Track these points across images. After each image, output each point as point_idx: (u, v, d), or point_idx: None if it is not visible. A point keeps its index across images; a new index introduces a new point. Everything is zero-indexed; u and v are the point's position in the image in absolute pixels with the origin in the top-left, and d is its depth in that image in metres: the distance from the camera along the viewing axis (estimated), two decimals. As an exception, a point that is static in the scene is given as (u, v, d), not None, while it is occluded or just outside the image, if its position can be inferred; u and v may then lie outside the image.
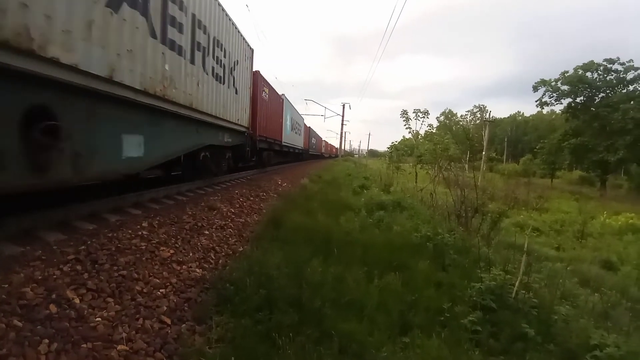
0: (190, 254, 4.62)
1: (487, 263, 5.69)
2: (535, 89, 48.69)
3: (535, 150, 55.52)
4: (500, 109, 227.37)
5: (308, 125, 36.68)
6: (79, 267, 3.27)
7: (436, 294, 4.91)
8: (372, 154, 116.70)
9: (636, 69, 41.67)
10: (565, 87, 45.66)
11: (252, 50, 11.78)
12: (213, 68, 8.06)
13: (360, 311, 4.05)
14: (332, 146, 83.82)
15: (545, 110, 60.92)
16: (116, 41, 4.42)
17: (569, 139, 45.24)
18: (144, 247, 4.18)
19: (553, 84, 46.84)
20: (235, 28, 9.72)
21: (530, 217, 18.53)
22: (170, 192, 7.19)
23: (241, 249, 5.62)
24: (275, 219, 7.26)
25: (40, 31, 3.25)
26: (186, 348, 2.88)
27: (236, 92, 10.05)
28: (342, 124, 58.06)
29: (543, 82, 47.67)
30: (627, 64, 42.43)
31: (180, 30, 6.26)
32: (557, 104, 48.41)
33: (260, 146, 14.24)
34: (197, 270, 4.30)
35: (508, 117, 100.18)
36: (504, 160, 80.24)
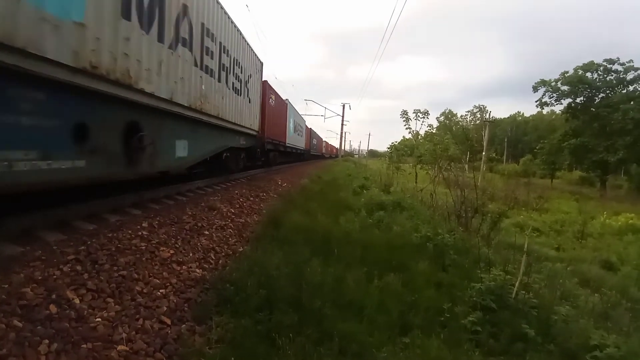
0: (190, 254, 4.62)
1: (487, 263, 5.70)
2: (535, 89, 48.79)
3: (535, 150, 55.58)
4: (500, 109, 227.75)
5: (309, 127, 37.72)
6: (79, 268, 3.27)
7: (436, 294, 4.92)
8: (372, 154, 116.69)
9: (636, 69, 41.77)
10: (565, 88, 45.74)
11: (262, 64, 13.32)
12: (233, 83, 9.53)
13: (360, 311, 4.05)
14: (332, 146, 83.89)
15: (545, 110, 61.03)
16: (174, 72, 5.94)
17: (569, 140, 45.28)
18: (144, 248, 4.18)
19: (553, 84, 46.91)
20: (249, 47, 11.26)
21: (530, 217, 18.54)
22: (170, 192, 7.18)
23: (241, 249, 5.62)
24: (275, 219, 7.26)
25: (134, 71, 4.70)
26: (186, 348, 2.88)
27: (249, 101, 11.53)
28: (342, 124, 58.10)
29: (543, 83, 47.72)
30: (627, 64, 42.53)
31: (212, 57, 7.72)
32: (557, 104, 48.61)
33: (267, 147, 15.69)
34: (197, 270, 4.30)
35: (508, 117, 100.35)
36: (504, 160, 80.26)
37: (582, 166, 49.48)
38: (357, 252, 6.01)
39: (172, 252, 4.40)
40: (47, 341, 2.37)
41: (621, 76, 43.12)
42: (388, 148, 25.23)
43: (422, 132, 24.39)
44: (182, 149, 6.68)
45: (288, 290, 3.96)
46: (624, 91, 42.42)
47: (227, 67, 8.84)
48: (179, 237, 4.93)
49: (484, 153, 35.83)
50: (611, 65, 43.59)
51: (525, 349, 3.87)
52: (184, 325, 3.20)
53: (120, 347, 2.62)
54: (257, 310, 3.54)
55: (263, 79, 14.04)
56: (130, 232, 4.44)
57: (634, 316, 5.94)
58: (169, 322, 3.15)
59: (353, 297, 4.30)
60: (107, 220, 4.75)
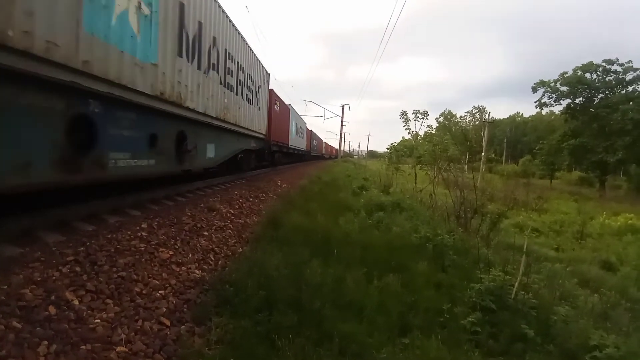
0: (190, 255, 4.62)
1: (487, 264, 5.70)
2: (534, 89, 48.81)
3: (535, 151, 55.63)
4: (499, 110, 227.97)
5: (310, 129, 38.94)
6: (78, 269, 3.27)
7: (436, 295, 4.92)
8: (372, 154, 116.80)
9: (635, 69, 41.82)
10: (564, 88, 45.76)
11: (269, 74, 15.15)
12: (246, 95, 11.19)
13: (359, 312, 4.04)
14: (332, 147, 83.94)
15: (545, 111, 61.17)
16: (207, 91, 7.59)
17: (568, 140, 45.29)
18: (143, 249, 4.18)
19: (552, 84, 46.94)
20: (259, 62, 12.99)
21: (530, 217, 18.53)
22: (170, 193, 7.18)
23: (240, 250, 5.62)
24: (275, 220, 7.26)
25: (183, 93, 6.33)
26: (185, 349, 2.87)
27: (259, 109, 13.24)
28: (342, 125, 58.10)
29: (542, 83, 47.76)
30: (626, 65, 42.56)
31: (232, 75, 9.44)
32: (556, 104, 48.56)
33: (273, 149, 17.50)
34: (197, 271, 4.30)
35: (507, 117, 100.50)
36: (503, 161, 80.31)
37: (581, 167, 49.52)
38: (357, 252, 6.01)
39: (171, 253, 4.40)
40: (46, 342, 2.36)
41: (620, 77, 43.17)
42: (387, 149, 25.23)
43: (421, 133, 24.41)
44: (211, 151, 8.41)
45: (288, 291, 3.95)
46: (623, 92, 42.46)
47: (242, 82, 10.55)
48: (178, 238, 4.93)
49: (483, 154, 35.86)
50: (610, 66, 43.66)
51: (524, 349, 3.87)
52: (183, 326, 3.20)
53: (119, 348, 2.62)
54: (256, 311, 3.54)
55: (269, 88, 15.84)
56: (129, 233, 4.44)
57: (634, 316, 5.95)
58: (168, 323, 3.14)
59: (353, 297, 4.30)
60: (106, 221, 4.74)
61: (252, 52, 11.65)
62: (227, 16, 8.64)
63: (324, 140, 69.20)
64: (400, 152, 23.45)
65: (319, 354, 3.09)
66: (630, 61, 42.42)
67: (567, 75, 45.65)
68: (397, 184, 19.22)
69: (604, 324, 5.16)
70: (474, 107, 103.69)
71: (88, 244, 3.79)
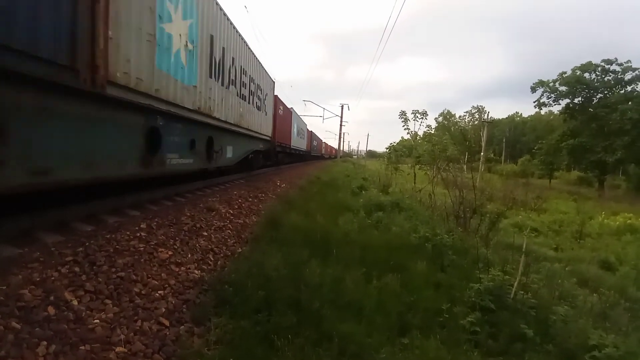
0: (189, 256, 4.62)
1: (486, 264, 5.70)
2: (533, 89, 48.89)
3: (534, 150, 55.68)
4: (498, 110, 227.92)
5: (310, 130, 39.99)
6: (77, 269, 3.26)
7: (435, 295, 4.92)
8: (371, 154, 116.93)
9: (634, 69, 41.91)
10: (563, 88, 45.85)
11: (274, 82, 16.43)
12: (256, 102, 12.62)
13: (359, 312, 4.04)
14: (331, 147, 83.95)
15: (544, 111, 61.21)
16: (228, 103, 9.01)
17: (567, 140, 45.36)
18: (142, 249, 4.17)
19: (551, 84, 47.02)
20: (266, 72, 14.44)
21: (529, 217, 18.55)
22: (169, 193, 7.18)
23: (240, 250, 5.62)
24: (274, 220, 7.26)
25: (212, 106, 7.76)
26: (185, 350, 2.87)
27: (265, 114, 14.56)
28: (341, 125, 58.11)
29: (541, 83, 47.83)
30: (625, 65, 42.63)
31: (245, 87, 10.84)
32: (555, 104, 48.63)
33: (277, 150, 19.17)
34: (196, 271, 4.29)
35: (506, 117, 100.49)
36: (502, 160, 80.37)
37: (580, 166, 49.63)
38: (356, 252, 6.01)
39: (170, 253, 4.39)
40: (45, 343, 2.36)
41: (619, 76, 43.25)
42: (386, 149, 25.26)
43: (420, 133, 24.43)
44: (230, 152, 9.98)
45: (287, 291, 3.95)
46: (622, 91, 42.54)
47: (253, 92, 11.95)
48: (177, 238, 4.93)
49: (482, 153, 35.90)
50: (609, 66, 43.73)
51: (524, 349, 3.88)
52: (182, 326, 3.20)
53: (118, 349, 2.62)
54: (255, 311, 3.54)
55: (274, 94, 17.30)
56: (128, 233, 4.44)
57: (633, 316, 5.96)
58: (167, 323, 3.14)
59: (352, 297, 4.30)
60: (105, 222, 4.74)
61: (261, 64, 13.23)
62: (240, 36, 9.95)
63: (323, 141, 69.27)
64: (400, 152, 23.49)
65: (318, 354, 3.09)
66: (629, 61, 42.58)
67: (566, 75, 45.73)
68: (396, 184, 19.23)
69: (603, 324, 5.17)
70: (473, 107, 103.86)
71: (87, 244, 3.79)
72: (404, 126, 23.92)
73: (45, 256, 3.33)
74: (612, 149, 40.21)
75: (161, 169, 5.90)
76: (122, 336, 2.75)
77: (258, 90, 12.74)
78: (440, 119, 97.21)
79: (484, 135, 36.33)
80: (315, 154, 49.27)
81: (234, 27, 9.19)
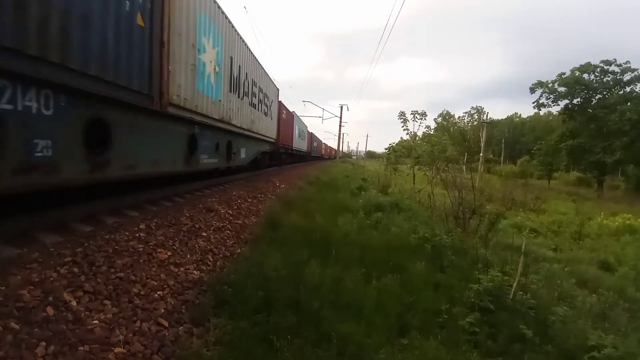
0: (188, 256, 4.61)
1: (485, 264, 5.71)
2: (532, 90, 48.91)
3: (533, 151, 55.73)
4: (497, 110, 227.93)
5: (310, 132, 41.19)
6: (76, 270, 3.26)
7: (434, 296, 4.92)
8: (370, 155, 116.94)
9: (633, 70, 41.92)
10: (562, 89, 45.91)
11: (278, 90, 18.07)
12: (264, 109, 14.25)
13: (358, 313, 4.04)
14: (331, 148, 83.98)
15: (543, 111, 61.29)
16: (242, 111, 10.59)
17: (566, 140, 45.40)
18: (141, 249, 4.17)
19: (550, 85, 47.07)
20: (273, 82, 16.20)
21: (528, 218, 18.57)
22: (168, 194, 7.17)
23: (239, 250, 5.61)
24: (273, 220, 7.25)
25: (231, 115, 9.47)
26: (184, 350, 2.87)
27: (271, 119, 16.16)
28: (340, 126, 58.09)
29: (540, 84, 47.88)
30: (624, 66, 42.69)
31: (255, 96, 12.45)
32: (554, 105, 48.67)
33: (281, 151, 20.79)
34: (195, 272, 4.29)
35: (505, 118, 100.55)
36: (502, 161, 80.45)
37: (579, 167, 49.67)
38: (355, 253, 6.01)
39: (169, 253, 4.39)
40: (44, 343, 2.36)
41: (618, 77, 43.31)
42: (386, 149, 25.30)
43: (419, 134, 24.46)
44: (243, 153, 11.54)
45: (286, 292, 3.95)
46: (621, 92, 42.58)
47: (261, 100, 13.62)
48: (176, 238, 4.93)
49: (481, 154, 35.94)
50: (608, 67, 43.81)
51: (523, 349, 3.88)
52: (181, 327, 3.19)
53: (117, 350, 2.61)
54: (255, 312, 3.53)
55: (279, 100, 19.19)
56: (127, 233, 4.43)
57: (632, 316, 5.96)
58: (166, 324, 3.14)
59: (351, 298, 4.30)
60: (104, 222, 4.74)
61: (268, 75, 14.88)
62: (251, 52, 11.50)
63: (323, 142, 69.39)
64: (399, 153, 23.52)
65: (318, 354, 3.09)
66: (628, 62, 42.65)
67: (564, 76, 45.79)
68: (395, 184, 19.23)
69: (602, 324, 5.17)
70: (472, 107, 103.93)
71: (86, 244, 3.79)
72: (403, 127, 24.02)
73: (44, 257, 3.32)
74: (611, 150, 40.26)
75: (197, 167, 7.55)
76: (121, 337, 2.74)
77: (265, 98, 14.52)
78: (440, 119, 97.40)
79: (483, 135, 36.35)
80: (316, 154, 49.88)
81: (246, 46, 10.81)
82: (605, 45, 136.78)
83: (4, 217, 3.74)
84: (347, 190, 15.99)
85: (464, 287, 5.13)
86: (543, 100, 48.37)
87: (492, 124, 56.12)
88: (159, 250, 4.35)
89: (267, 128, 14.99)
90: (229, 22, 8.81)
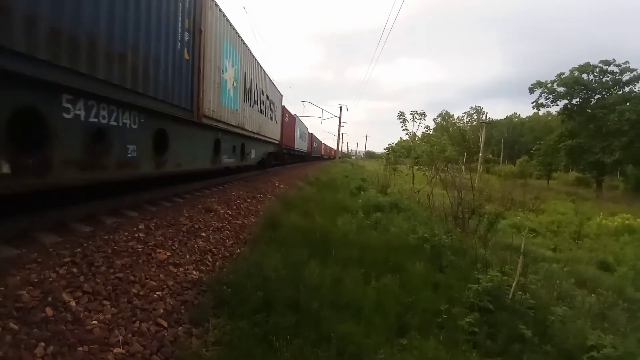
0: (187, 256, 4.61)
1: (484, 264, 5.71)
2: (531, 90, 48.95)
3: (532, 151, 55.79)
4: (496, 111, 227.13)
5: (310, 132, 42.16)
6: (75, 270, 3.26)
7: (433, 296, 4.92)
8: (369, 155, 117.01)
9: (632, 70, 41.97)
10: (561, 89, 45.94)
11: (282, 95, 19.49)
12: (270, 114, 15.66)
13: (357, 313, 4.05)
14: (330, 148, 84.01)
15: (542, 111, 61.37)
16: (253, 117, 11.99)
17: (565, 141, 45.44)
18: (140, 250, 4.17)
19: (549, 85, 47.11)
20: (277, 89, 17.63)
21: (527, 218, 18.56)
22: (167, 194, 7.17)
23: (238, 250, 5.61)
24: (273, 220, 7.25)
25: (245, 122, 11.02)
26: (183, 351, 2.87)
27: (276, 122, 17.57)
28: (340, 126, 58.08)
29: (539, 84, 47.92)
30: (623, 66, 42.73)
31: (263, 104, 13.89)
32: (553, 105, 48.71)
33: (284, 151, 22.54)
34: (194, 272, 4.29)
35: (504, 118, 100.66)
36: (501, 161, 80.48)
37: (578, 167, 49.65)
38: (355, 253, 6.01)
39: (168, 254, 4.39)
40: (43, 344, 2.36)
41: (617, 77, 43.35)
42: (385, 149, 25.32)
43: (419, 134, 24.48)
44: (253, 154, 13.09)
45: (286, 292, 3.95)
46: (620, 92, 42.62)
47: (268, 106, 15.04)
48: (175, 239, 4.92)
49: (480, 154, 35.96)
50: (607, 67, 43.83)
51: (522, 349, 3.88)
52: (180, 327, 3.20)
53: (116, 350, 2.61)
54: (254, 312, 3.53)
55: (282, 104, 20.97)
56: (126, 234, 4.43)
57: (631, 316, 5.96)
58: (165, 324, 3.14)
59: (350, 298, 4.30)
60: (103, 222, 4.73)
61: (273, 83, 16.46)
62: (260, 65, 12.98)
63: (322, 142, 69.50)
64: (398, 153, 23.53)
65: (317, 354, 3.09)
66: (627, 62, 42.68)
67: (564, 76, 45.84)
68: (394, 184, 19.24)
69: (601, 324, 5.17)
70: (472, 107, 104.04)
71: (85, 245, 3.78)
72: (402, 127, 24.07)
73: (43, 257, 3.32)
74: (610, 150, 40.30)
75: (219, 165, 9.17)
76: (120, 337, 2.74)
77: (271, 104, 16.07)
78: (439, 119, 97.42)
79: (482, 136, 36.39)
80: (315, 154, 50.34)
81: (256, 60, 12.27)
82: (605, 46, 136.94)
83: (4, 217, 3.74)
84: (347, 190, 15.99)
85: (463, 287, 5.13)
86: (542, 100, 48.47)
87: (492, 124, 56.19)
88: (158, 250, 4.35)
89: (272, 131, 16.45)
90: (243, 42, 10.39)
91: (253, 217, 7.80)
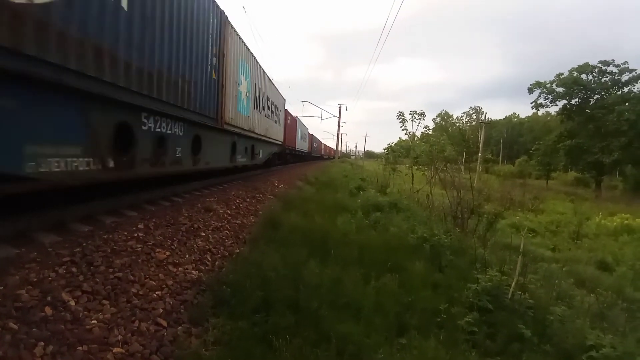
0: (187, 256, 4.61)
1: (483, 264, 5.72)
2: (530, 90, 49.00)
3: (531, 151, 55.82)
4: (495, 111, 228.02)
5: (310, 133, 43.35)
6: (74, 269, 3.26)
7: (433, 295, 4.93)
8: (369, 155, 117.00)
9: (631, 70, 42.03)
10: (560, 89, 45.98)
11: (285, 100, 20.70)
12: (275, 118, 16.98)
13: (357, 313, 4.05)
14: (330, 148, 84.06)
15: (541, 112, 61.43)
16: (261, 121, 13.34)
17: (564, 141, 45.48)
18: (139, 249, 4.16)
19: (548, 85, 47.14)
20: (281, 94, 19.10)
21: (526, 218, 18.59)
22: (166, 194, 7.16)
23: (238, 250, 5.61)
24: (272, 220, 7.26)
25: (254, 126, 12.29)
26: (182, 350, 2.87)
27: (279, 125, 18.91)
28: (339, 126, 58.14)
29: (538, 84, 47.96)
30: (621, 66, 42.77)
31: (269, 109, 15.19)
32: (552, 105, 48.75)
33: (286, 152, 23.96)
34: (194, 272, 4.29)
35: (504, 118, 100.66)
36: (500, 161, 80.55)
37: (577, 167, 49.67)
38: (354, 253, 6.01)
39: (168, 253, 4.38)
40: (42, 343, 2.36)
41: (616, 78, 43.39)
42: (384, 149, 25.33)
43: (418, 134, 24.48)
44: (261, 154, 14.57)
45: (285, 292, 3.95)
46: (619, 92, 42.67)
47: (273, 111, 16.35)
48: (175, 238, 4.92)
49: (479, 154, 35.98)
50: (606, 67, 43.88)
51: (521, 349, 3.89)
52: (180, 327, 3.20)
53: (116, 350, 2.61)
54: (254, 311, 3.53)
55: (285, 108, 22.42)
56: (126, 233, 4.43)
57: (630, 316, 5.97)
58: (165, 324, 3.14)
59: (350, 298, 4.30)
60: (102, 222, 4.72)
61: (277, 90, 17.80)
62: (267, 75, 14.56)
63: (322, 142, 69.60)
64: (397, 153, 23.54)
65: (317, 354, 3.09)
66: (625, 62, 42.74)
67: (563, 76, 45.88)
68: (394, 184, 19.25)
69: (600, 324, 5.18)
70: (471, 107, 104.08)
71: (84, 244, 3.78)
72: (401, 127, 24.03)
73: (42, 256, 3.32)
74: (609, 150, 40.35)
75: (235, 164, 10.55)
76: (120, 337, 2.74)
77: (275, 109, 17.47)
78: (438, 119, 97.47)
79: (482, 136, 36.41)
80: (315, 154, 50.91)
81: (263, 70, 13.72)
82: (604, 46, 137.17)
83: (3, 217, 3.73)
84: (346, 190, 16.00)
85: (462, 286, 5.13)
86: (541, 100, 48.52)
87: (491, 124, 56.20)
88: (157, 250, 4.34)
89: (277, 133, 17.89)
90: (254, 57, 11.82)
91: (252, 217, 7.79)
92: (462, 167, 21.14)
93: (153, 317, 3.15)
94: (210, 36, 7.50)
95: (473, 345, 3.96)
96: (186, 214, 6.04)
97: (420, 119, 24.34)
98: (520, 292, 4.90)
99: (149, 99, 5.23)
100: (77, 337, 2.55)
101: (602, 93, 44.10)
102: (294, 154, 29.52)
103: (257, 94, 12.58)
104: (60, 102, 3.73)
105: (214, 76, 7.84)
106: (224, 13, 8.30)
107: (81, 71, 3.79)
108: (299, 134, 30.46)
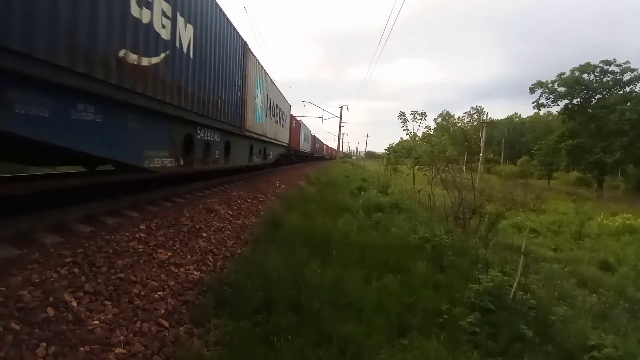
0: (188, 257, 4.62)
1: (485, 264, 5.71)
2: (532, 90, 48.85)
3: (532, 151, 55.69)
4: (497, 111, 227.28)
5: (313, 134, 44.16)
6: (76, 270, 3.26)
7: (434, 296, 4.92)
8: (370, 155, 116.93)
9: (632, 70, 41.87)
10: (561, 89, 45.83)
11: (290, 106, 22.39)
12: (282, 122, 18.57)
13: (358, 313, 4.04)
14: (331, 149, 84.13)
15: (542, 111, 61.29)
16: (271, 126, 15.34)
17: (566, 141, 45.34)
18: (141, 250, 4.17)
19: (550, 85, 47.01)
20: (287, 101, 20.69)
21: (528, 218, 18.55)
22: (168, 194, 7.17)
23: (239, 251, 5.61)
24: (274, 220, 7.26)
25: (266, 130, 14.46)
26: (184, 351, 2.87)
27: (285, 128, 20.43)
28: (340, 126, 58.09)
29: (540, 84, 47.83)
30: (623, 66, 42.63)
31: (277, 115, 16.86)
32: (553, 105, 48.59)
33: (291, 152, 25.38)
34: (195, 272, 4.29)
35: (505, 118, 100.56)
36: (501, 161, 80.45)
37: (579, 167, 49.56)
38: (356, 253, 6.01)
39: (169, 254, 4.39)
40: (44, 344, 2.36)
41: (617, 77, 43.24)
42: (385, 150, 25.31)
43: (419, 134, 24.46)
44: (271, 155, 16.42)
45: (287, 292, 3.95)
46: (621, 92, 42.54)
47: (280, 116, 17.97)
48: (176, 239, 4.93)
49: (481, 154, 35.94)
50: (608, 67, 43.72)
51: (523, 349, 3.88)
52: (182, 327, 3.20)
53: (117, 350, 2.62)
54: (255, 312, 3.54)
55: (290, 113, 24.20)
56: (127, 234, 4.43)
57: (632, 316, 5.96)
58: (166, 324, 3.14)
59: (351, 298, 4.30)
60: (104, 223, 4.73)
61: (284, 97, 19.44)
62: (276, 86, 16.73)
63: (324, 143, 69.74)
64: (399, 153, 23.51)
65: (318, 354, 3.09)
66: (627, 62, 42.59)
67: (564, 76, 45.77)
68: (395, 184, 19.23)
69: (602, 324, 5.17)
70: (472, 107, 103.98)
71: (86, 245, 3.79)
72: (403, 127, 24.03)
73: (44, 257, 3.32)
74: (610, 150, 40.23)
75: (251, 163, 12.54)
76: (122, 337, 2.75)
77: (282, 114, 19.17)
78: (439, 119, 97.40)
79: (483, 136, 36.37)
80: (318, 155, 51.32)
81: (273, 82, 15.94)
82: (605, 46, 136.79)
83: (5, 217, 3.74)
84: (347, 190, 16.01)
85: (464, 287, 5.12)
86: (543, 100, 48.36)
87: (492, 124, 56.12)
88: (159, 250, 4.35)
89: (283, 136, 19.63)
90: (266, 72, 13.96)
91: (254, 217, 7.80)
92: (464, 167, 21.12)
93: (155, 317, 3.16)
94: (237, 64, 9.66)
95: (475, 345, 3.95)
96: (188, 215, 6.05)
97: (421, 119, 24.29)
98: (522, 293, 4.89)
99: (202, 117, 7.24)
100: (79, 337, 2.56)
101: (604, 93, 43.96)
102: (298, 155, 31.47)
103: (269, 104, 14.71)
104: (161, 123, 5.82)
105: (239, 94, 9.92)
106: (246, 44, 10.37)
107: (171, 102, 5.76)
108: (302, 136, 32.26)
